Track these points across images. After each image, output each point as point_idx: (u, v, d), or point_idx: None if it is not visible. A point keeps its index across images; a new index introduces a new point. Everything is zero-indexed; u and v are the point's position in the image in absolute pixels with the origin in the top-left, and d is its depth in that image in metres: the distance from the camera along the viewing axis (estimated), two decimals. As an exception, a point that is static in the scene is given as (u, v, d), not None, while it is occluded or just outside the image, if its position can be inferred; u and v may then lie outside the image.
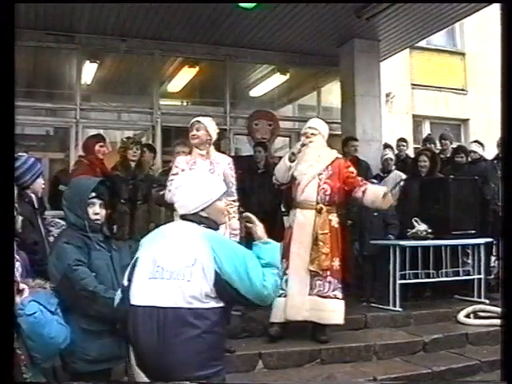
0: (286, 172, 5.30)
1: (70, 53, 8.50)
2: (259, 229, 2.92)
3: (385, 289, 6.21)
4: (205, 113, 9.06)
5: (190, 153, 5.19)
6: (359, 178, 5.48)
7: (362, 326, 5.87)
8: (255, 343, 5.18)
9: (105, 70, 8.91)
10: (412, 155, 8.56)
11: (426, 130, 12.63)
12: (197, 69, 9.16)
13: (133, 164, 6.58)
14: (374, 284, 6.55)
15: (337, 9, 7.59)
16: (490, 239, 6.67)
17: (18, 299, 2.66)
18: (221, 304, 2.67)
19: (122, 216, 6.30)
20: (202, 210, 2.86)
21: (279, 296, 5.11)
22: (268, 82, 9.91)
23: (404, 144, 8.54)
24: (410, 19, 7.92)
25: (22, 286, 2.74)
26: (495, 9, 7.95)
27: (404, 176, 7.40)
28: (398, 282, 6.12)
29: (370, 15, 7.59)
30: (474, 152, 7.54)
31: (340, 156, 5.60)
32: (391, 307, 6.12)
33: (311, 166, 5.30)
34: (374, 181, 7.02)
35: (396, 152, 8.34)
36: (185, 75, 9.32)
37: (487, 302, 6.39)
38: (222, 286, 2.65)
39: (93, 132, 8.24)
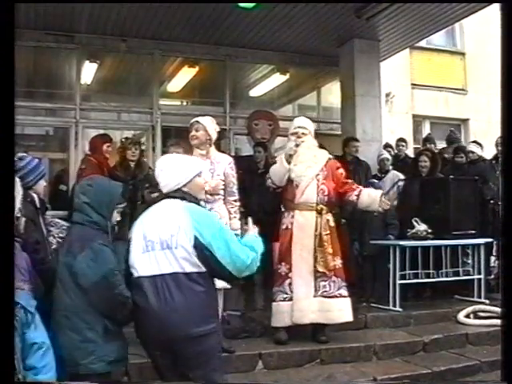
0: (285, 175, 5.22)
1: (69, 53, 8.50)
2: (252, 231, 3.32)
3: (385, 289, 6.21)
4: (205, 113, 9.03)
5: (187, 153, 5.18)
6: (350, 181, 5.48)
7: (362, 326, 5.86)
8: (255, 343, 5.17)
9: (105, 69, 8.91)
10: (412, 155, 8.56)
11: (426, 129, 12.63)
12: (197, 69, 9.16)
13: (132, 164, 6.58)
14: (374, 284, 6.55)
15: (337, 9, 7.59)
16: (490, 239, 6.67)
17: None
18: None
19: (122, 216, 6.29)
20: (184, 185, 3.25)
21: (283, 300, 5.11)
22: (268, 82, 9.90)
23: (403, 144, 8.54)
24: (410, 19, 7.92)
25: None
26: (495, 9, 7.95)
27: (401, 176, 7.40)
28: (398, 282, 6.12)
29: (370, 15, 7.60)
30: (473, 152, 7.54)
31: (331, 156, 5.56)
32: (391, 307, 6.12)
33: (309, 167, 5.27)
34: (375, 181, 7.04)
35: (395, 152, 8.36)
36: (185, 75, 9.32)
37: (487, 302, 6.39)
38: (202, 252, 3.03)
39: (93, 132, 8.25)
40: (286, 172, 5.21)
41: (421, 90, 12.72)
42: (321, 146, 5.58)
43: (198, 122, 4.95)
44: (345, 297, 5.22)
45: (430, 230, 6.36)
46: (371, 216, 6.59)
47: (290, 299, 5.11)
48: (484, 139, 8.71)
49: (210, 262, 3.05)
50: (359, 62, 8.66)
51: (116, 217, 3.38)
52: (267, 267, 5.46)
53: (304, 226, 5.19)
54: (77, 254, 3.07)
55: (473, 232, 6.60)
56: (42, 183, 4.07)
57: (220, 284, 4.45)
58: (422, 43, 10.97)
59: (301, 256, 5.15)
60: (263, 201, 6.69)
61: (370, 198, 5.34)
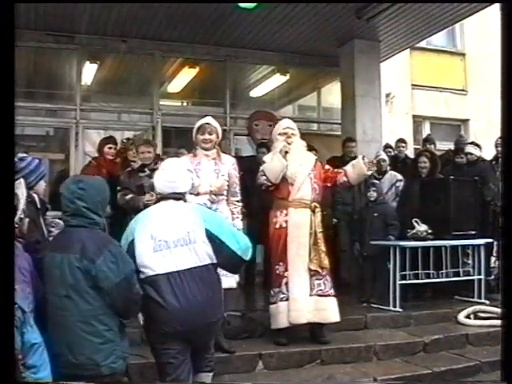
0: (281, 171, 5.18)
1: (70, 53, 8.51)
2: None
3: (385, 289, 6.21)
4: (205, 113, 9.07)
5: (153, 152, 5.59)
6: (335, 170, 5.50)
7: (362, 326, 5.86)
8: (255, 344, 5.16)
9: (105, 70, 8.92)
10: (412, 156, 8.56)
11: (426, 130, 12.62)
12: (197, 69, 9.18)
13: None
14: (375, 284, 6.54)
15: (337, 9, 7.59)
16: (490, 240, 6.67)
17: None
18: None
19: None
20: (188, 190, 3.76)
21: (281, 300, 5.11)
22: (268, 83, 9.91)
23: (403, 145, 8.53)
24: (410, 20, 7.93)
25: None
26: (495, 9, 7.95)
27: (399, 176, 7.41)
28: (399, 282, 6.12)
29: (370, 16, 7.60)
30: (471, 154, 7.53)
31: (317, 157, 5.61)
32: (391, 308, 6.12)
33: (302, 165, 5.28)
34: (375, 181, 7.04)
35: (395, 153, 8.36)
36: (185, 76, 9.33)
37: (487, 302, 6.39)
38: (215, 243, 3.43)
39: (93, 132, 8.28)
40: (283, 169, 5.17)
41: (421, 91, 12.72)
42: (310, 148, 5.62)
43: (209, 124, 4.96)
44: (335, 296, 5.23)
45: (430, 231, 6.36)
46: (371, 217, 6.62)
47: (287, 299, 5.09)
48: (484, 140, 8.72)
49: (222, 250, 3.44)
50: (359, 63, 8.66)
51: (107, 211, 3.45)
52: (267, 267, 5.51)
53: (299, 224, 5.17)
54: (95, 258, 3.06)
55: (473, 232, 6.60)
56: (43, 184, 4.08)
57: (226, 284, 4.54)
58: (422, 44, 10.97)
59: (297, 254, 5.13)
60: (265, 201, 6.69)
61: (354, 168, 5.35)
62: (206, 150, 4.95)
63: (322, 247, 5.19)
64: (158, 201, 3.70)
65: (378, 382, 4.73)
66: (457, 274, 6.51)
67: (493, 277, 7.08)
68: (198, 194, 4.77)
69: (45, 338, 2.89)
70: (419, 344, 5.51)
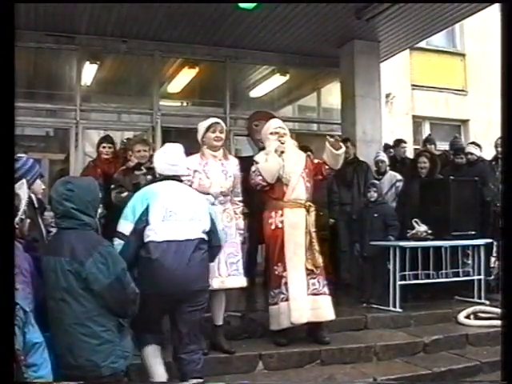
0: (278, 171, 5.17)
1: (70, 54, 8.50)
2: None
3: (385, 290, 6.21)
4: (205, 114, 9.11)
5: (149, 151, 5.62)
6: (317, 161, 5.50)
7: (362, 326, 5.86)
8: (255, 344, 5.16)
9: (105, 70, 8.92)
10: (411, 156, 8.56)
11: (426, 130, 12.63)
12: (197, 70, 9.17)
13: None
14: (374, 285, 6.54)
15: (337, 10, 7.59)
16: (490, 240, 6.67)
17: None
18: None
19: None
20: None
21: (281, 301, 5.11)
22: (268, 83, 9.91)
23: (404, 146, 8.54)
24: (410, 20, 7.93)
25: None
26: (495, 9, 7.96)
27: (399, 176, 7.41)
28: (398, 282, 6.12)
29: (370, 16, 7.60)
30: (471, 154, 7.53)
31: (309, 153, 5.64)
32: (391, 308, 6.12)
33: (295, 164, 5.28)
34: (376, 182, 7.05)
35: (395, 153, 8.36)
36: (185, 76, 9.32)
37: (487, 302, 6.39)
38: (212, 225, 4.04)
39: (93, 133, 8.28)
40: (279, 168, 5.17)
41: (421, 91, 12.72)
42: (306, 148, 5.62)
43: (219, 123, 5.00)
44: (328, 295, 5.24)
45: (430, 231, 6.36)
46: (371, 217, 6.62)
47: (287, 299, 5.08)
48: (484, 140, 8.71)
49: (214, 232, 4.05)
50: (359, 63, 8.66)
51: (99, 210, 3.45)
52: (267, 268, 5.50)
53: (296, 224, 5.17)
54: (84, 260, 3.07)
55: (473, 233, 6.60)
56: (39, 183, 4.08)
57: (237, 283, 4.81)
58: (422, 44, 10.96)
59: (295, 254, 5.12)
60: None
61: (326, 153, 5.34)
62: (215, 149, 4.97)
63: (316, 246, 5.20)
64: (158, 180, 4.13)
65: (378, 382, 4.73)
66: (457, 275, 6.51)
67: (493, 277, 7.08)
68: (208, 195, 4.80)
69: (45, 337, 2.90)
70: (419, 344, 5.51)
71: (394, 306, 6.12)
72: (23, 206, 3.17)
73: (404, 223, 6.54)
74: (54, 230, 3.93)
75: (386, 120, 10.44)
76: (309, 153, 6.00)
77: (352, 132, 8.48)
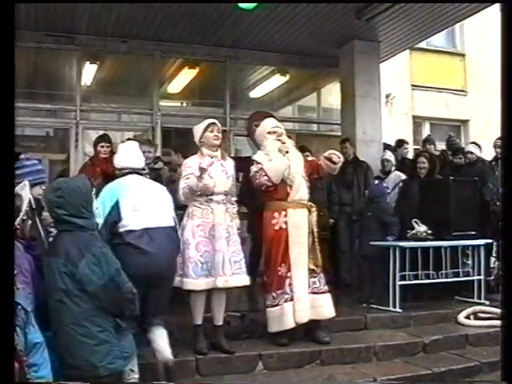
0: (284, 171, 5.16)
1: (70, 54, 8.50)
2: None
3: (385, 290, 6.21)
4: (205, 114, 9.10)
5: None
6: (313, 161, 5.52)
7: (361, 327, 5.86)
8: (255, 344, 5.16)
9: (105, 71, 8.92)
10: (411, 156, 8.56)
11: (426, 131, 12.63)
12: (197, 70, 9.17)
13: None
14: (374, 285, 6.54)
15: (337, 10, 7.59)
16: (489, 240, 6.67)
17: None
18: None
19: None
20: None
21: (285, 301, 5.10)
22: (268, 83, 9.91)
23: (406, 146, 8.55)
24: (410, 20, 7.93)
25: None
26: (495, 9, 7.96)
27: (403, 176, 7.41)
28: (398, 283, 6.12)
29: (370, 16, 7.60)
30: (471, 153, 7.54)
31: (306, 154, 5.66)
32: (391, 308, 6.12)
33: (297, 164, 5.28)
34: (376, 181, 7.04)
35: (396, 153, 8.36)
36: (185, 76, 9.33)
37: (487, 303, 6.39)
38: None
39: (93, 133, 8.26)
40: (286, 168, 5.17)
41: (421, 91, 12.72)
42: (305, 149, 5.63)
43: (216, 123, 5.03)
44: (329, 292, 5.25)
45: (429, 231, 6.36)
46: (367, 216, 6.62)
47: (292, 299, 5.08)
48: (484, 140, 8.72)
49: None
50: (359, 63, 8.66)
51: (95, 208, 3.52)
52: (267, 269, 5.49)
53: (299, 224, 5.17)
54: (77, 262, 3.08)
55: (473, 233, 6.60)
56: (39, 189, 4.06)
57: (241, 281, 4.86)
58: (422, 44, 10.96)
59: (299, 254, 5.13)
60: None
61: (325, 164, 5.36)
62: (214, 149, 4.98)
63: (318, 246, 5.22)
64: (121, 175, 4.43)
65: (378, 382, 4.72)
66: (456, 275, 6.51)
67: (492, 277, 7.08)
68: (212, 194, 4.81)
69: (45, 337, 2.91)
70: (419, 344, 5.51)
71: (394, 306, 6.12)
72: (25, 206, 3.17)
73: (404, 223, 6.54)
74: (53, 230, 3.94)
75: (386, 120, 10.45)
76: (307, 153, 6.00)
77: (352, 132, 8.48)
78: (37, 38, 7.98)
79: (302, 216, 5.20)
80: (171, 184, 6.11)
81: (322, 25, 8.04)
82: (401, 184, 7.31)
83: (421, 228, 6.35)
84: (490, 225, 6.90)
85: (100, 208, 4.02)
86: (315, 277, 5.19)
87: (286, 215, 5.18)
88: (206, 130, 4.98)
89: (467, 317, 6.14)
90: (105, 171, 6.34)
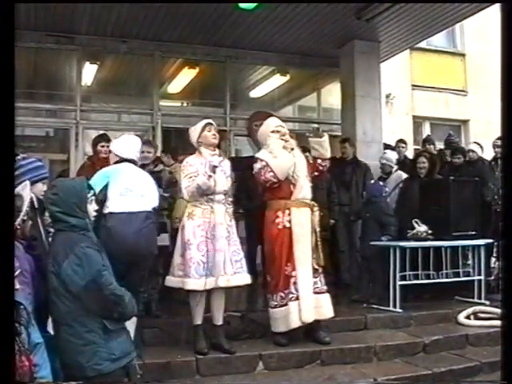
0: (290, 169, 5.16)
1: (70, 54, 8.51)
2: None
3: (385, 290, 6.21)
4: (205, 114, 9.10)
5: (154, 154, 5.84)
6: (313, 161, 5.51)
7: (362, 327, 5.86)
8: (255, 344, 5.16)
9: (105, 71, 8.92)
10: (411, 156, 8.56)
11: (426, 130, 12.63)
12: (197, 70, 9.18)
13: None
14: (374, 285, 6.54)
15: (337, 10, 7.59)
16: (490, 240, 6.67)
17: None
18: None
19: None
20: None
21: (291, 300, 5.10)
22: (268, 83, 9.91)
23: (403, 145, 8.54)
24: (410, 20, 7.93)
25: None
26: (495, 10, 7.95)
27: (404, 176, 7.40)
28: (399, 283, 6.11)
29: (370, 16, 7.61)
30: (473, 151, 7.53)
31: (307, 154, 5.59)
32: (391, 308, 6.11)
33: (300, 164, 5.28)
34: (379, 182, 7.04)
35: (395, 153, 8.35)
36: (185, 76, 9.33)
37: (487, 303, 6.38)
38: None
39: (93, 133, 8.25)
40: (292, 165, 5.17)
41: (421, 91, 12.72)
42: (304, 149, 5.64)
43: (212, 123, 5.08)
44: (328, 292, 5.25)
45: (430, 231, 6.35)
46: (365, 217, 6.62)
47: (297, 298, 5.06)
48: (484, 140, 8.69)
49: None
50: (359, 63, 8.67)
51: (92, 209, 3.45)
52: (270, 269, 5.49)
53: (303, 223, 5.16)
54: (61, 262, 3.10)
55: (473, 233, 6.60)
56: (41, 186, 4.06)
57: (243, 280, 4.86)
58: (422, 44, 10.97)
59: (303, 253, 5.11)
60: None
61: (311, 145, 5.41)
62: (212, 148, 4.99)
63: (321, 246, 5.22)
64: (117, 162, 4.76)
65: (378, 382, 4.72)
66: (457, 275, 6.51)
67: (493, 277, 7.08)
68: (213, 194, 4.82)
69: (44, 337, 2.92)
70: (419, 344, 5.50)
71: (394, 307, 6.11)
72: (25, 206, 3.17)
73: (404, 223, 6.53)
74: (52, 230, 3.95)
75: (386, 120, 10.44)
76: (307, 153, 6.00)
77: (352, 132, 8.48)
78: (37, 38, 7.99)
79: (305, 215, 5.20)
80: (171, 185, 6.13)
81: (322, 25, 8.05)
82: (401, 184, 7.30)
83: (421, 228, 6.34)
84: (490, 225, 6.90)
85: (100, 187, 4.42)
86: (316, 277, 5.19)
87: (289, 214, 5.17)
88: (203, 129, 5.00)
89: (467, 317, 6.13)
90: None
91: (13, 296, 2.60)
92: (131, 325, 4.16)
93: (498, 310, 5.86)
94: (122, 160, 4.76)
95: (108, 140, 6.84)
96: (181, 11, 7.49)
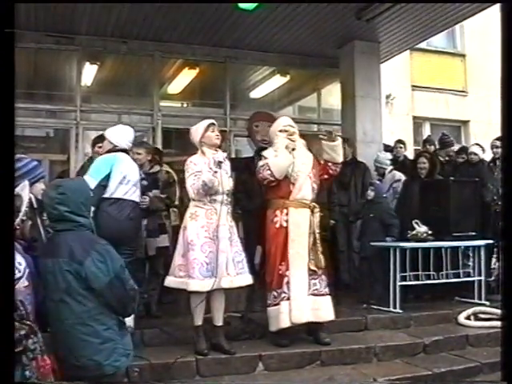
0: (287, 168, 5.17)
1: (70, 54, 8.50)
2: None
3: (385, 291, 6.21)
4: (205, 114, 9.08)
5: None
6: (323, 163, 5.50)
7: (362, 327, 5.87)
8: (255, 345, 5.16)
9: (105, 71, 8.92)
10: (411, 157, 8.55)
11: (426, 131, 12.64)
12: (197, 70, 9.17)
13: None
14: (374, 286, 6.54)
15: (337, 10, 7.59)
16: (490, 241, 6.67)
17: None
18: None
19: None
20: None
21: (282, 300, 5.11)
22: (268, 84, 9.90)
23: (401, 146, 8.54)
24: (411, 21, 7.92)
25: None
26: (495, 10, 7.95)
27: (398, 176, 7.40)
28: (399, 283, 6.11)
29: (371, 17, 7.60)
30: (475, 154, 7.53)
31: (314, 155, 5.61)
32: (391, 309, 6.12)
33: (304, 163, 5.28)
34: (376, 182, 7.04)
35: (394, 154, 8.35)
36: (185, 77, 9.32)
37: (487, 303, 6.39)
38: None
39: (93, 134, 8.25)
40: (290, 164, 5.17)
41: (421, 92, 12.73)
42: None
43: (215, 124, 5.13)
44: (329, 295, 5.25)
45: (430, 232, 6.35)
46: (368, 217, 6.62)
47: (288, 298, 5.08)
48: (484, 141, 8.69)
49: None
50: (359, 64, 8.66)
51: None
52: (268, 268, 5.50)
53: (300, 224, 5.17)
54: (83, 260, 3.07)
55: (473, 233, 6.60)
56: (40, 186, 4.06)
57: (239, 282, 4.90)
58: (423, 45, 10.97)
59: (298, 253, 5.12)
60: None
61: (324, 149, 5.40)
62: (214, 148, 5.00)
63: (320, 247, 5.20)
64: (115, 151, 5.07)
65: (378, 383, 4.72)
66: (457, 275, 6.51)
67: (493, 278, 7.09)
68: (216, 194, 4.83)
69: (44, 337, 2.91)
70: (419, 345, 5.51)
71: (395, 307, 6.12)
72: (25, 207, 3.17)
73: (404, 224, 6.53)
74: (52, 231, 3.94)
75: (386, 121, 10.44)
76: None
77: (352, 133, 8.48)
78: (37, 39, 7.97)
79: (303, 215, 5.20)
80: (168, 186, 6.13)
81: (322, 25, 8.04)
82: (395, 184, 7.31)
83: (421, 229, 6.34)
84: (490, 225, 6.90)
85: (95, 172, 4.88)
86: (316, 278, 5.18)
87: (287, 214, 5.19)
88: (206, 130, 5.02)
89: (467, 317, 6.14)
90: None
91: (13, 296, 2.60)
92: (131, 320, 4.22)
93: (498, 311, 5.86)
94: (117, 149, 5.08)
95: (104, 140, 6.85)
96: (181, 11, 7.49)
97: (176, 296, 5.20)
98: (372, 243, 6.38)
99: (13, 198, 2.91)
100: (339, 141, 5.45)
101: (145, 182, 5.38)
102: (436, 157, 7.58)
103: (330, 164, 5.42)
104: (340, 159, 5.50)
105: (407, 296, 6.39)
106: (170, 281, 4.97)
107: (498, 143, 7.17)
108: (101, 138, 6.91)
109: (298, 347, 5.12)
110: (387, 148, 8.51)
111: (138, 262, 5.46)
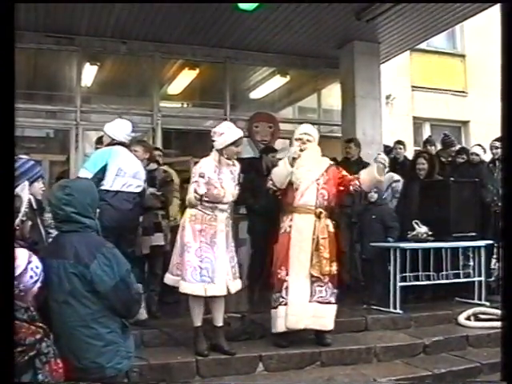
0: (287, 177, 5.20)
1: (70, 55, 8.50)
2: None
3: (385, 291, 6.20)
4: (205, 115, 9.11)
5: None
6: (349, 176, 5.48)
7: (362, 328, 5.86)
8: (255, 346, 5.17)
9: (105, 72, 8.92)
10: (411, 157, 8.54)
11: (427, 131, 12.64)
12: (197, 71, 9.17)
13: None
14: (375, 286, 6.54)
15: (337, 11, 7.59)
16: (490, 241, 6.66)
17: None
18: None
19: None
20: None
21: (280, 304, 5.11)
22: (268, 84, 9.91)
23: (401, 147, 8.53)
24: (411, 21, 7.93)
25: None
26: (495, 10, 7.95)
27: (396, 177, 7.38)
28: (399, 284, 6.11)
29: (371, 17, 7.61)
30: (477, 155, 7.53)
31: (332, 163, 5.57)
32: (392, 309, 6.11)
33: (309, 170, 5.27)
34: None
35: (393, 155, 8.35)
36: (185, 77, 9.33)
37: (488, 304, 6.39)
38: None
39: (93, 134, 8.26)
40: (288, 174, 5.19)
41: (421, 92, 12.72)
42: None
43: (242, 138, 5.16)
44: (334, 304, 5.23)
45: (430, 232, 6.35)
46: (370, 219, 6.62)
47: (286, 303, 5.09)
48: (484, 141, 8.69)
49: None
50: (359, 64, 8.66)
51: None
52: (269, 270, 5.50)
53: (302, 229, 5.17)
54: (89, 262, 3.06)
55: (473, 234, 6.59)
56: (37, 185, 4.06)
57: (235, 287, 4.91)
58: (423, 45, 10.97)
59: (298, 259, 5.13)
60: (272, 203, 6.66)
61: (368, 175, 5.41)
62: (231, 160, 5.05)
63: (324, 254, 5.13)
64: (112, 144, 5.29)
65: (378, 383, 4.72)
66: (457, 276, 6.51)
67: (493, 278, 7.08)
68: (219, 203, 4.85)
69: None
70: (419, 346, 5.51)
71: (395, 308, 6.11)
72: (24, 207, 3.16)
73: (404, 224, 6.53)
74: (53, 232, 3.93)
75: (386, 121, 10.44)
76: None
77: (352, 133, 8.47)
78: (37, 39, 7.98)
79: (307, 221, 5.20)
80: (165, 185, 6.13)
81: (322, 26, 8.05)
82: (393, 184, 7.30)
83: (421, 229, 6.34)
84: (490, 226, 6.90)
85: (91, 165, 5.11)
86: (321, 286, 5.15)
87: (291, 219, 5.24)
88: (232, 144, 5.00)
89: (468, 318, 6.13)
90: None
91: (13, 296, 2.59)
92: (143, 311, 4.29)
93: (499, 311, 5.86)
94: (115, 142, 5.30)
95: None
96: (180, 12, 7.49)
97: (179, 296, 5.18)
98: (372, 244, 6.38)
99: (13, 199, 2.90)
100: (383, 178, 5.59)
101: None
102: (436, 157, 7.57)
103: (356, 182, 5.38)
104: (366, 188, 5.64)
105: (407, 296, 6.39)
106: (168, 278, 5.02)
107: (498, 144, 7.16)
108: (100, 139, 6.93)
109: (298, 348, 5.12)
110: (386, 149, 8.50)
111: (136, 260, 5.45)
